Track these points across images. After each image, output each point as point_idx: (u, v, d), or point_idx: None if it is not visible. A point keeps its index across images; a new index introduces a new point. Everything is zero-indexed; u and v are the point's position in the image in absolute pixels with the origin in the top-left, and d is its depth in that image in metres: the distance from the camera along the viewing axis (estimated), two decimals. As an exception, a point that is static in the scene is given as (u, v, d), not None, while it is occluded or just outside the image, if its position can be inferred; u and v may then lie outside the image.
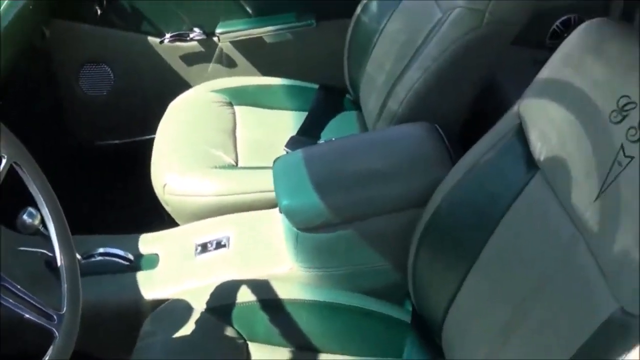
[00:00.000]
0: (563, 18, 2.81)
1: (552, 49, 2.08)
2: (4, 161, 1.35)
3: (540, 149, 1.43)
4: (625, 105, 1.24)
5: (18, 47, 2.38)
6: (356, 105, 2.57)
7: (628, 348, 1.05)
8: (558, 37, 2.87)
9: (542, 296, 1.31)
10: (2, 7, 2.25)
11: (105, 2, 2.74)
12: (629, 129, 1.21)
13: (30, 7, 2.43)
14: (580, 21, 2.78)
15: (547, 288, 1.30)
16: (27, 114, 2.62)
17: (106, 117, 2.92)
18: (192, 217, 2.10)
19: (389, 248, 1.82)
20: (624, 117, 1.23)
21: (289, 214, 1.78)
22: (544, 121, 1.44)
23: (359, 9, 2.55)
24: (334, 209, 1.76)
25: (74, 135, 2.91)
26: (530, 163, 1.45)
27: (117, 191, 2.69)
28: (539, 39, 2.81)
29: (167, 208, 2.20)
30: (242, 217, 2.03)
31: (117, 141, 2.95)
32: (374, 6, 2.49)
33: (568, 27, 2.82)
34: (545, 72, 1.51)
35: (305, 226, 1.78)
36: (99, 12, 2.74)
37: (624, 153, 1.20)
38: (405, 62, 2.12)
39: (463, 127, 2.15)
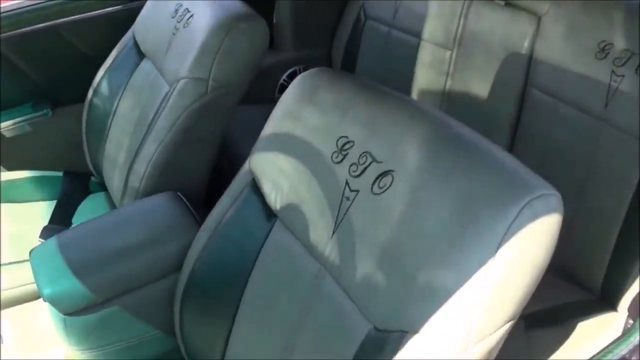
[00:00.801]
0: (289, 71, 2.93)
1: None
2: None
3: (274, 198, 1.46)
4: (344, 145, 1.31)
5: None
6: (102, 186, 2.52)
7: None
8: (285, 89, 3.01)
9: (305, 332, 1.34)
10: None
11: None
12: (350, 165, 1.27)
13: None
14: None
15: (307, 324, 1.33)
16: None
17: None
18: None
19: (157, 316, 1.78)
20: (344, 156, 1.30)
21: (53, 301, 1.70)
22: (275, 172, 1.47)
23: (90, 92, 2.50)
24: (95, 289, 1.69)
25: None
26: (269, 213, 1.48)
27: None
28: (269, 95, 2.90)
29: None
30: (10, 313, 1.94)
31: None
32: (104, 88, 2.45)
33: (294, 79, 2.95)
34: (268, 127, 1.54)
35: (71, 310, 1.70)
36: None
37: (349, 188, 1.27)
38: (141, 138, 2.11)
39: (209, 187, 2.17)
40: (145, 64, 2.32)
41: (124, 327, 1.77)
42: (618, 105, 1.83)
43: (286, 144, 1.47)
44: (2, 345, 1.83)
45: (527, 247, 1.02)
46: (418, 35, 2.41)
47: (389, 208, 1.17)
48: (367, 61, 2.69)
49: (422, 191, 1.13)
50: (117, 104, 2.37)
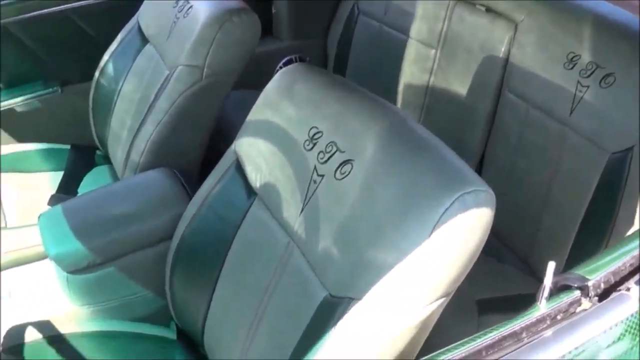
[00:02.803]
0: (285, 59, 3.07)
1: None
2: None
3: (255, 178, 1.64)
4: (315, 134, 1.48)
5: None
6: (107, 160, 2.68)
7: (335, 322, 1.28)
8: None
9: (275, 296, 1.51)
10: None
11: None
12: (318, 153, 1.45)
13: None
14: (301, 60, 3.08)
15: (277, 289, 1.51)
16: None
17: None
18: None
19: (149, 278, 1.95)
20: (314, 145, 1.47)
21: (57, 260, 1.89)
22: (255, 155, 1.66)
23: (97, 73, 2.68)
24: (95, 251, 1.87)
25: None
26: (250, 190, 1.66)
27: None
28: (267, 80, 3.06)
29: None
30: (18, 271, 2.10)
31: None
32: (110, 69, 2.63)
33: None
34: (252, 115, 1.72)
35: (72, 269, 1.89)
36: None
37: (317, 173, 1.44)
38: (142, 117, 2.29)
39: (204, 165, 2.32)
40: (148, 48, 2.49)
41: (119, 287, 1.95)
42: (582, 114, 1.98)
43: (266, 131, 1.64)
44: (10, 300, 2.01)
45: (457, 235, 1.18)
46: (406, 32, 2.56)
47: (347, 192, 1.35)
48: (358, 54, 2.85)
49: (374, 180, 1.30)
50: (122, 84, 2.54)
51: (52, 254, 1.90)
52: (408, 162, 1.29)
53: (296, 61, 3.06)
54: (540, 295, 0.97)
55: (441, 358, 0.94)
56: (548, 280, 0.96)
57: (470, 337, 0.96)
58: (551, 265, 0.96)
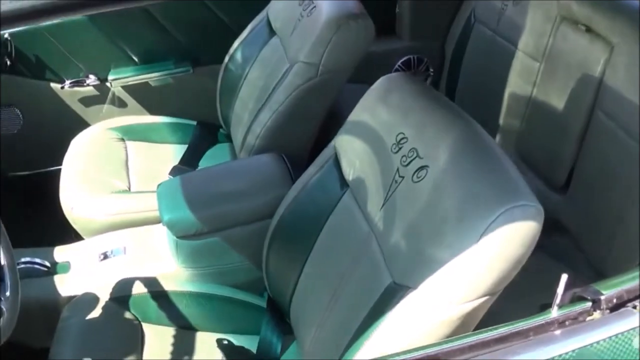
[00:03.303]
0: (404, 58, 3.27)
1: None
2: None
3: (348, 172, 1.83)
4: (401, 139, 1.66)
5: None
6: (228, 138, 2.93)
7: (394, 306, 1.45)
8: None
9: (350, 281, 1.70)
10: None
11: (13, 55, 3.02)
12: (402, 156, 1.63)
13: None
14: (419, 61, 3.25)
15: (353, 274, 1.69)
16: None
17: (16, 153, 3.12)
18: (95, 233, 2.41)
19: (249, 251, 2.18)
20: (399, 149, 1.65)
21: (170, 225, 2.15)
22: (351, 151, 1.85)
23: (227, 58, 2.93)
24: (203, 221, 2.12)
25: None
26: (343, 182, 1.85)
27: (30, 214, 2.85)
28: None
29: (75, 226, 2.50)
30: (135, 231, 2.37)
31: (26, 172, 3.18)
32: (238, 56, 2.88)
33: (409, 66, 3.29)
34: (353, 115, 1.92)
35: (182, 235, 2.14)
36: (8, 63, 3.02)
37: (399, 174, 1.62)
38: (261, 104, 2.52)
39: (313, 152, 2.49)
40: (274, 40, 2.72)
41: (221, 255, 2.19)
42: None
43: (362, 131, 1.83)
44: (124, 255, 2.28)
45: (502, 243, 1.32)
46: (515, 44, 2.68)
47: (420, 195, 1.52)
48: (471, 59, 2.98)
49: (442, 186, 1.47)
50: (248, 71, 2.79)
51: (165, 220, 2.15)
52: (472, 173, 1.45)
53: (414, 62, 3.25)
54: (554, 302, 1.13)
55: (454, 343, 1.12)
56: (560, 289, 1.12)
57: (484, 330, 1.13)
58: (564, 277, 1.12)
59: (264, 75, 2.65)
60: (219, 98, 2.98)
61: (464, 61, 3.02)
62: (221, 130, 3.02)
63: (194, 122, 3.04)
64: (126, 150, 2.85)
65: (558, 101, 2.43)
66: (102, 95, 3.16)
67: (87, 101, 3.17)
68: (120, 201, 2.51)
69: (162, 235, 2.27)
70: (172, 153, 2.86)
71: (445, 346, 1.15)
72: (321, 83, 2.39)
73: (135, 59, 3.15)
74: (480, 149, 1.52)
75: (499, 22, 2.79)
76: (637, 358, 1.11)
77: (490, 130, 2.37)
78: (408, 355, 1.16)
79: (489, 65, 2.83)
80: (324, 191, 1.92)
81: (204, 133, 3.00)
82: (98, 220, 2.45)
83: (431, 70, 3.29)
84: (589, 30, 2.31)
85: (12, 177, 3.20)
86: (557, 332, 1.10)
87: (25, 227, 2.48)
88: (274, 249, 2.03)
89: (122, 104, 3.19)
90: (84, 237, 2.49)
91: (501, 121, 2.74)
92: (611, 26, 2.21)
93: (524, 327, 1.11)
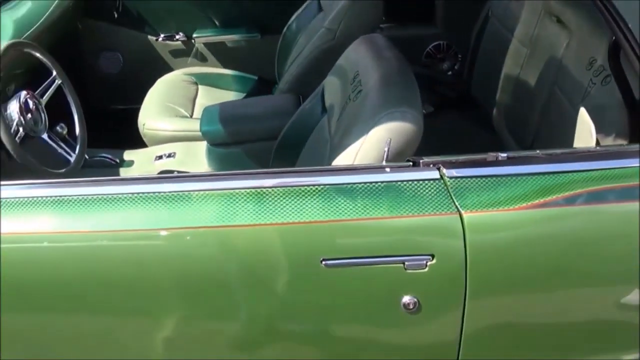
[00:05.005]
0: (435, 43, 3.93)
1: (426, 65, 3.13)
2: (57, 81, 2.45)
3: (327, 100, 2.52)
4: (355, 75, 2.30)
5: (61, 34, 3.43)
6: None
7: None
8: (431, 57, 3.97)
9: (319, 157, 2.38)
10: (52, 7, 3.33)
11: (120, 8, 3.82)
12: (352, 86, 2.28)
13: (70, 7, 3.51)
14: (448, 47, 3.88)
15: (324, 158, 2.38)
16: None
17: (116, 90, 3.93)
18: (158, 143, 3.15)
19: (260, 162, 2.86)
20: (353, 81, 2.27)
21: (204, 135, 2.91)
22: (330, 85, 2.53)
23: (285, 28, 3.67)
24: (228, 134, 2.87)
25: (91, 100, 3.81)
26: (324, 109, 2.53)
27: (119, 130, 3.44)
28: (416, 57, 3.89)
29: (145, 139, 3.23)
30: (186, 144, 3.11)
31: (123, 106, 3.90)
32: (294, 26, 3.62)
33: (439, 50, 3.94)
34: (337, 62, 2.59)
35: (213, 143, 2.90)
36: (115, 15, 3.82)
37: (349, 98, 2.28)
38: (293, 59, 3.25)
39: None
40: (320, 15, 3.42)
41: (240, 163, 2.90)
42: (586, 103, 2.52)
43: (338, 71, 2.52)
44: (174, 159, 3.02)
45: (386, 133, 1.94)
46: (513, 33, 3.23)
47: (355, 108, 2.18)
48: (485, 48, 3.57)
49: (367, 101, 2.13)
50: (298, 38, 3.50)
51: (202, 130, 2.91)
52: (382, 91, 2.11)
53: (444, 47, 3.90)
54: (384, 158, 1.84)
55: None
56: (387, 147, 1.82)
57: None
58: (388, 140, 1.83)
59: (306, 40, 3.33)
60: (277, 59, 3.68)
61: (480, 49, 3.62)
62: (276, 85, 3.65)
63: (256, 77, 3.78)
64: (196, 92, 3.59)
65: (532, 79, 2.98)
66: (187, 49, 3.94)
67: (175, 53, 3.95)
68: (180, 122, 3.25)
69: (203, 148, 3.01)
70: (231, 98, 3.58)
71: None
72: (336, 46, 2.99)
73: (217, 23, 3.91)
74: (394, 81, 2.19)
75: (505, 16, 3.38)
76: (436, 191, 1.72)
77: (491, 106, 3.16)
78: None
79: (496, 52, 3.42)
80: (311, 115, 2.61)
81: (261, 86, 3.72)
82: (161, 134, 3.19)
83: (459, 55, 3.92)
84: (559, 20, 2.81)
85: (113, 109, 3.97)
86: (387, 169, 1.77)
87: (112, 138, 3.18)
88: (276, 159, 2.73)
89: (203, 58, 3.95)
90: (149, 145, 3.21)
91: (497, 97, 3.35)
92: (575, 18, 2.70)
93: (375, 165, 1.84)
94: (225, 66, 3.93)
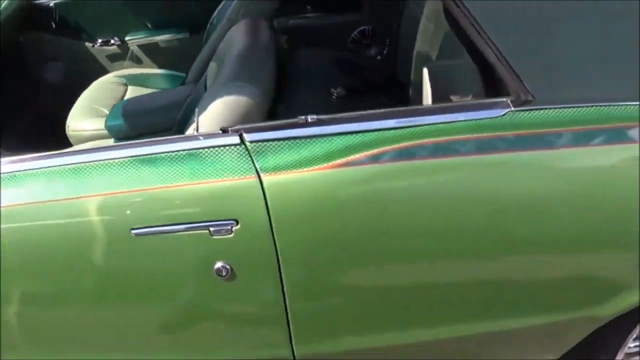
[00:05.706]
0: (360, 28, 3.98)
1: (351, 51, 3.22)
2: None
3: (208, 84, 2.64)
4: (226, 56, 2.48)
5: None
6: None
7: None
8: (356, 43, 4.03)
9: None
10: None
11: (57, 18, 3.94)
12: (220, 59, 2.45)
13: (10, 21, 3.61)
14: (373, 31, 3.95)
15: None
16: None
17: (61, 97, 3.84)
18: (82, 143, 3.24)
19: None
20: (223, 54, 2.47)
21: (108, 130, 3.02)
22: (211, 70, 2.66)
23: (208, 25, 3.76)
24: (130, 128, 2.98)
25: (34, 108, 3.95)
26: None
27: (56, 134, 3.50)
28: (341, 43, 3.96)
29: (71, 140, 3.32)
30: (107, 141, 3.14)
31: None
32: (214, 22, 3.67)
33: (364, 36, 4.01)
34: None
35: (116, 137, 3.01)
36: (53, 25, 3.95)
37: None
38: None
39: None
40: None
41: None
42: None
43: (217, 55, 2.66)
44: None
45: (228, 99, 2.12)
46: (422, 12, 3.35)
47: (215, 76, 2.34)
48: (403, 30, 3.63)
49: (222, 70, 2.28)
50: (214, 33, 3.56)
51: (106, 126, 3.02)
52: (234, 65, 2.26)
53: (369, 32, 3.96)
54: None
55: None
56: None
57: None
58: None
59: (217, 33, 3.41)
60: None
61: (400, 33, 3.69)
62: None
63: (184, 74, 3.76)
64: (125, 92, 3.67)
65: (434, 54, 3.08)
66: (123, 53, 4.05)
67: (112, 57, 4.06)
68: (101, 122, 3.28)
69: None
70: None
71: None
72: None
73: (148, 25, 4.03)
74: (249, 57, 2.31)
75: (417, -3, 3.46)
76: (236, 156, 1.79)
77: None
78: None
79: (413, 34, 3.50)
80: (197, 100, 2.68)
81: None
82: (83, 135, 3.30)
83: (387, 40, 3.98)
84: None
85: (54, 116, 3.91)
86: (201, 137, 1.83)
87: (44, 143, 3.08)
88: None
89: (138, 60, 4.07)
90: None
91: (412, 77, 3.42)
92: None
93: (190, 136, 1.92)
94: (159, 67, 4.04)
